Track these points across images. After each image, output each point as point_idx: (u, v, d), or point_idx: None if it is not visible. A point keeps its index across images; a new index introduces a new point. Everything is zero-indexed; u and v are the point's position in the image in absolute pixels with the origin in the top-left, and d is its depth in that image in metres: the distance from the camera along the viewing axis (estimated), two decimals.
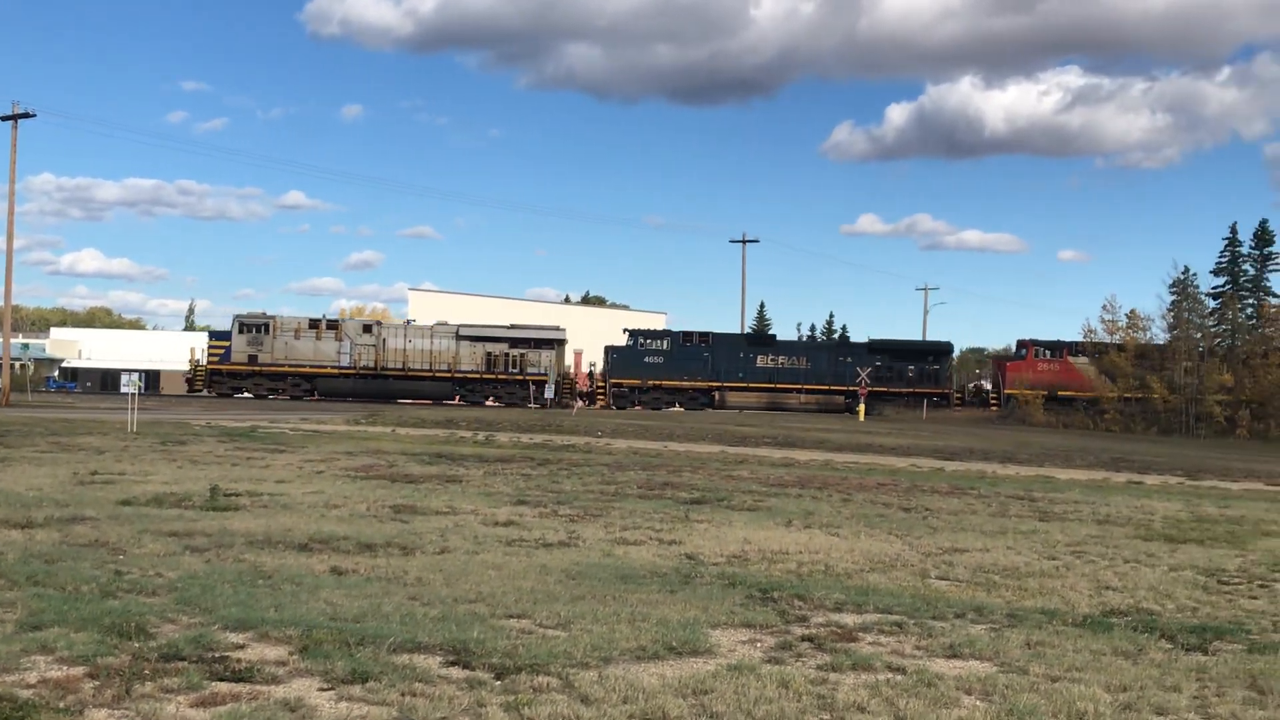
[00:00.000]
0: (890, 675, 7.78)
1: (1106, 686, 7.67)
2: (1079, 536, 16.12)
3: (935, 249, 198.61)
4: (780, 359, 71.68)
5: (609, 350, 72.85)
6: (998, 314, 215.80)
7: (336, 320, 69.97)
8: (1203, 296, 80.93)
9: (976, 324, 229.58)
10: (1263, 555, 14.95)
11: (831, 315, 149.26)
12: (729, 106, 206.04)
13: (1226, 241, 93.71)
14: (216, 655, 7.52)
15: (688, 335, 72.41)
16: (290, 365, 66.44)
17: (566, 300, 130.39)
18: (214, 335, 69.28)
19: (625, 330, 73.06)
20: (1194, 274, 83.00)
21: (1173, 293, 76.19)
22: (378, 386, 67.69)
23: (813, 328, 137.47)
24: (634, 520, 15.66)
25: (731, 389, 70.58)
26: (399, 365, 68.01)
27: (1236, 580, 12.79)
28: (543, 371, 68.14)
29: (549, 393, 62.49)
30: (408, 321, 75.17)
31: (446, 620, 8.71)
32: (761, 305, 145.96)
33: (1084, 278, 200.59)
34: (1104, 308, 74.21)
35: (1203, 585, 12.31)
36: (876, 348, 71.83)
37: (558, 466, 24.29)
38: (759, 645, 8.58)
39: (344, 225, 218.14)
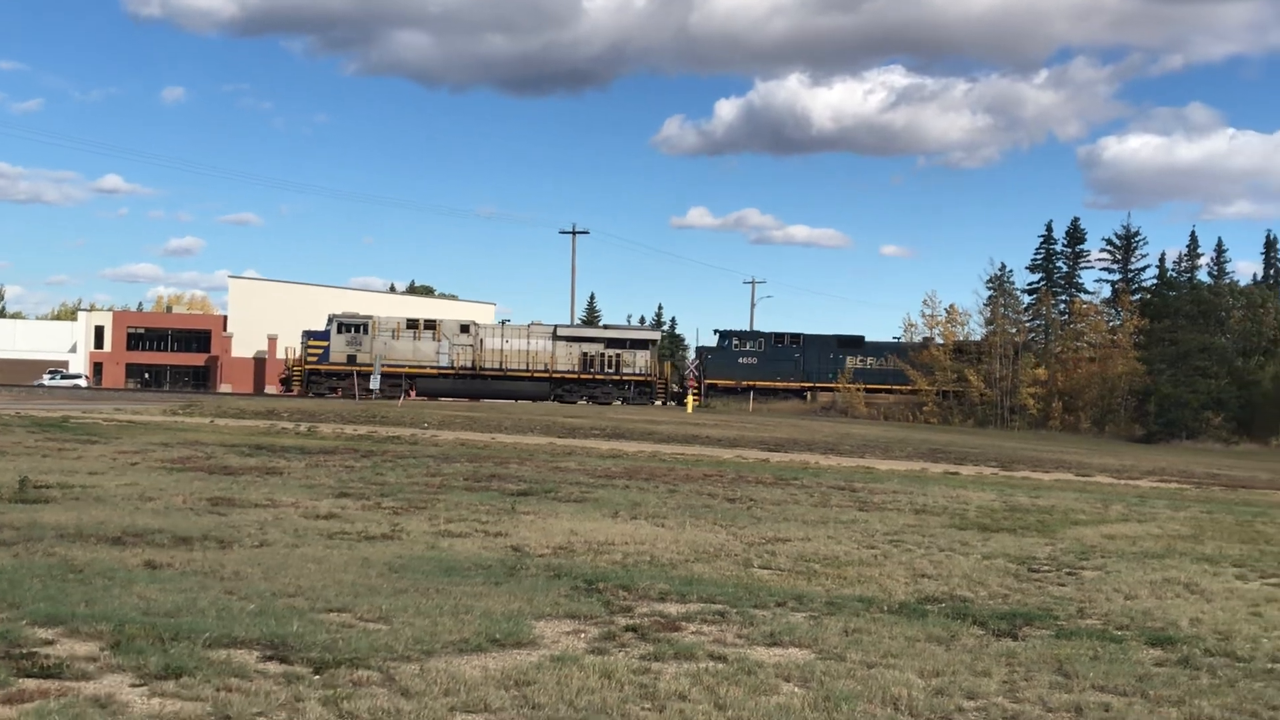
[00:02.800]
0: (712, 664, 7.90)
1: (920, 672, 7.91)
2: (897, 526, 16.56)
3: (764, 243, 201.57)
4: (869, 360, 72.96)
5: (701, 351, 74.54)
6: (822, 308, 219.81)
7: (434, 321, 70.39)
8: (1018, 292, 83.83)
9: (802, 318, 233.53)
10: (1071, 544, 15.55)
11: (660, 307, 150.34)
12: (561, 98, 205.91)
13: (1041, 239, 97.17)
14: (24, 651, 7.26)
15: (779, 336, 73.77)
16: (389, 365, 65.88)
17: (392, 289, 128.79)
18: (311, 335, 68.63)
19: (715, 331, 74.77)
20: (1010, 271, 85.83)
21: (990, 289, 78.71)
22: (477, 386, 68.18)
23: (641, 319, 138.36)
24: (459, 512, 15.58)
25: (823, 389, 71.95)
26: (496, 365, 68.58)
27: (1046, 568, 13.28)
28: (638, 372, 69.22)
29: (374, 384, 61.94)
30: (503, 322, 75.82)
31: (264, 614, 8.55)
32: (592, 296, 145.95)
33: (907, 273, 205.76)
34: (924, 302, 76.37)
35: (1014, 573, 12.76)
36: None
37: (382, 458, 24.01)
38: (583, 636, 8.62)
39: (163, 210, 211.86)
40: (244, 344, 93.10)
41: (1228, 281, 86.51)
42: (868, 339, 75.76)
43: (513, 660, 7.74)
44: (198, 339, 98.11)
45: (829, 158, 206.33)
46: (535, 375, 68.82)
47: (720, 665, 7.85)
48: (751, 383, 71.61)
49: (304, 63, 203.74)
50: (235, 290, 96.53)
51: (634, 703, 6.88)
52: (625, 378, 68.68)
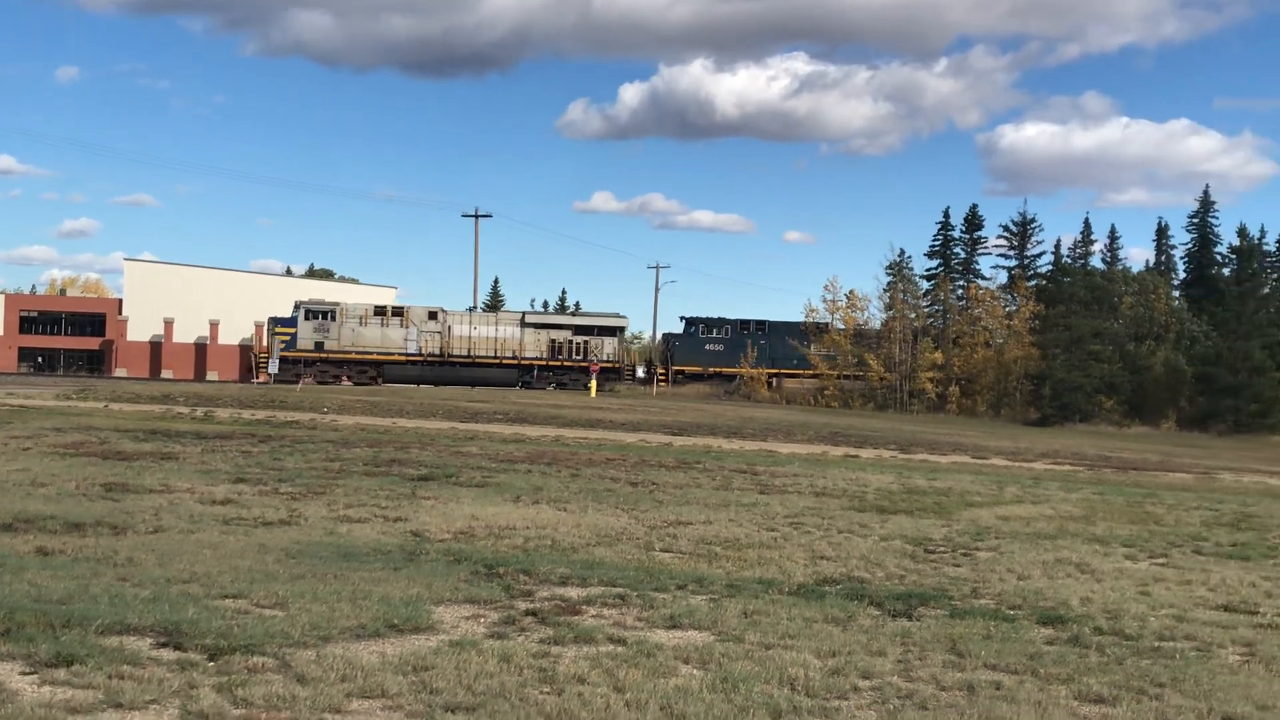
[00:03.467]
0: (612, 647, 7.92)
1: (817, 652, 8.00)
2: (797, 508, 16.72)
3: (668, 228, 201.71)
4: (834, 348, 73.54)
5: (668, 338, 74.80)
6: (726, 293, 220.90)
7: (402, 307, 70.22)
8: (917, 278, 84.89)
9: (705, 303, 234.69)
10: (966, 525, 15.81)
11: (564, 292, 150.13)
12: (464, 80, 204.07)
13: (940, 226, 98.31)
14: None
15: (744, 324, 73.66)
16: (357, 352, 66.71)
17: (288, 272, 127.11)
18: (278, 322, 68.22)
19: (682, 318, 74.90)
20: (910, 257, 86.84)
21: (890, 274, 79.61)
22: (445, 374, 68.04)
23: (545, 304, 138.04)
24: (359, 498, 15.46)
25: (788, 375, 72.21)
26: (464, 353, 68.83)
27: (942, 549, 13.50)
28: (605, 358, 69.34)
29: (272, 368, 61.47)
30: (470, 309, 75.27)
31: (158, 601, 8.42)
32: (495, 281, 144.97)
33: (809, 259, 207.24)
34: (826, 288, 77.03)
35: (910, 554, 12.95)
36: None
37: (280, 443, 23.72)
38: (483, 621, 8.60)
39: (57, 192, 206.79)
40: (140, 328, 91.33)
41: (1120, 268, 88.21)
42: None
43: (411, 646, 7.71)
44: (92, 322, 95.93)
45: (733, 143, 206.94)
46: (504, 362, 69.35)
47: (620, 648, 7.88)
48: (719, 369, 72.20)
49: (202, 42, 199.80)
50: (131, 273, 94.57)
51: (533, 686, 6.88)
52: (593, 364, 69.10)
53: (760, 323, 74.39)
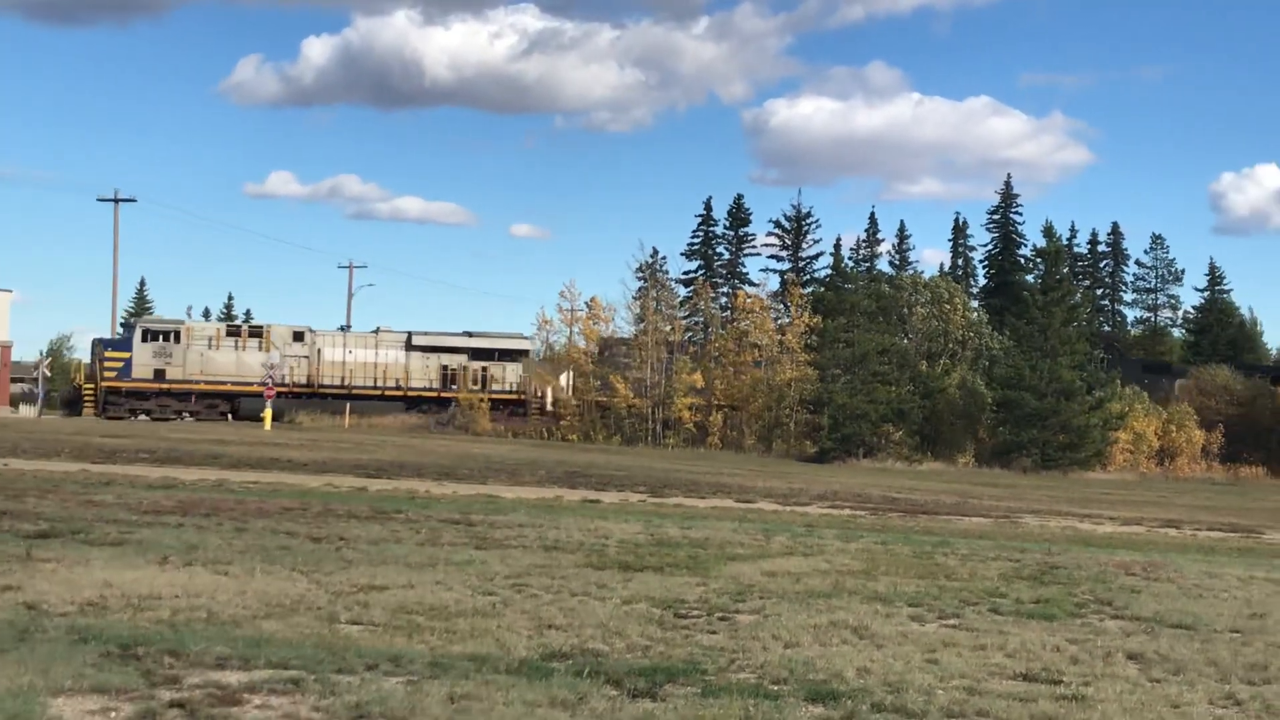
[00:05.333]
0: None
1: None
2: (522, 566, 16.76)
3: (365, 218, 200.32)
4: None
5: None
6: (441, 299, 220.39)
7: (261, 327, 70.11)
8: (673, 284, 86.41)
9: (416, 312, 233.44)
10: (726, 583, 16.12)
11: (231, 297, 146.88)
12: (103, 29, 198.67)
13: (700, 220, 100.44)
14: None
15: (466, 335, 74.63)
16: (207, 382, 66.61)
17: None
18: (107, 344, 67.30)
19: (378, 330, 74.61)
20: (664, 258, 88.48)
21: (640, 278, 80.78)
22: (315, 407, 68.59)
23: (206, 312, 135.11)
24: None
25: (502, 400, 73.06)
26: (337, 381, 69.39)
27: (695, 613, 13.73)
28: (508, 388, 70.86)
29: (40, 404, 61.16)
30: (342, 328, 74.52)
31: None
32: (142, 282, 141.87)
33: (542, 258, 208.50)
34: (562, 294, 77.71)
35: (658, 620, 13.13)
36: None
37: None
38: (114, 716, 8.38)
39: None
40: None
41: (911, 273, 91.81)
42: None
43: None
44: None
45: (447, 114, 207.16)
46: (386, 393, 70.46)
47: None
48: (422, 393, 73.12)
49: None
50: None
51: None
52: (494, 396, 70.47)
53: (480, 345, 74.51)
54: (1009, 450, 67.57)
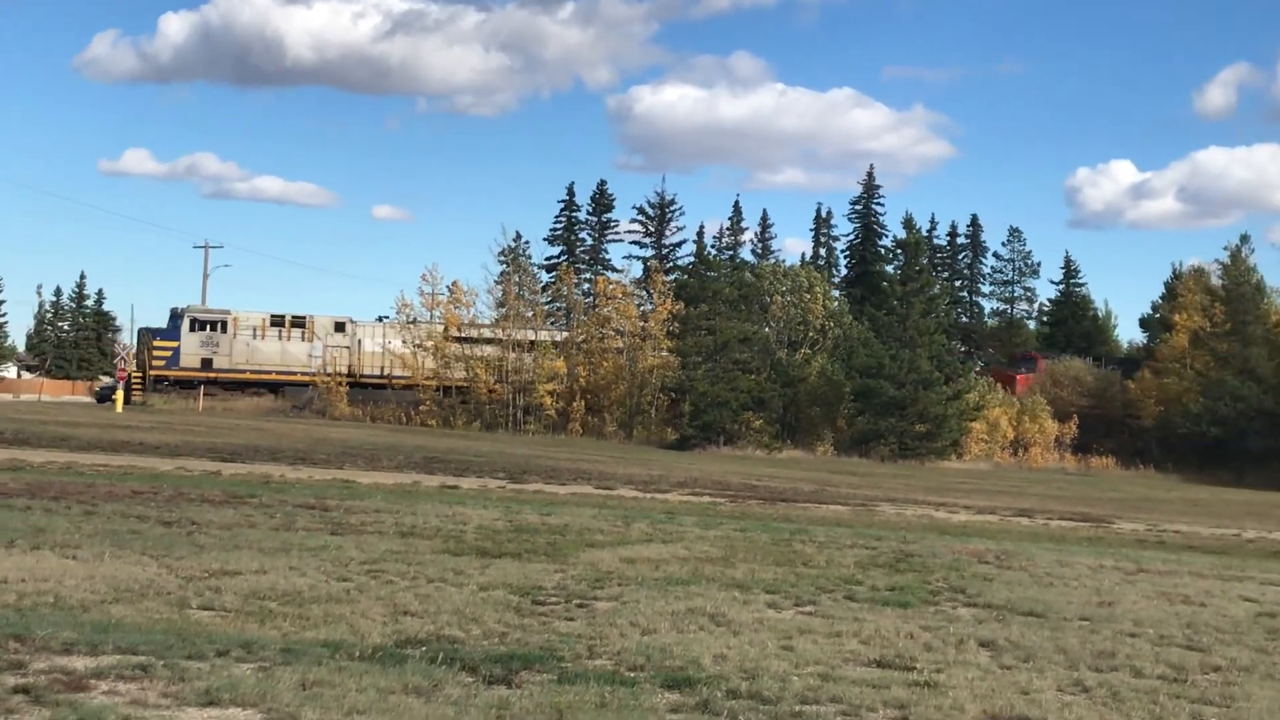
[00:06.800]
0: None
1: None
2: (378, 552, 16.66)
3: (223, 197, 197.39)
4: None
5: (146, 334, 73.85)
6: (303, 281, 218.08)
7: (303, 317, 70.64)
8: (535, 269, 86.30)
9: (278, 294, 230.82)
10: (585, 569, 16.14)
11: (84, 277, 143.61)
12: None
13: (563, 205, 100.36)
14: None
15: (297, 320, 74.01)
16: (253, 370, 68.05)
17: None
18: (154, 334, 68.58)
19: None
20: (527, 242, 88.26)
21: (502, 263, 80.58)
22: (355, 398, 69.31)
23: (58, 292, 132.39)
24: None
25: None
26: (377, 371, 70.97)
27: (553, 599, 13.74)
28: None
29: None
30: (382, 319, 75.20)
31: None
32: None
33: (404, 240, 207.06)
34: (424, 278, 77.23)
35: (515, 606, 13.12)
36: None
37: None
38: None
39: None
40: None
41: (773, 261, 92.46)
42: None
43: None
44: None
45: (308, 94, 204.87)
46: (426, 385, 71.52)
47: None
48: (272, 375, 72.60)
49: None
50: None
51: None
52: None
53: (279, 317, 74.16)
54: (867, 439, 68.34)
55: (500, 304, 76.74)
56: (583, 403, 71.91)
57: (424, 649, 10.61)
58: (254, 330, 70.74)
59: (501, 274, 79.47)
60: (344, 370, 71.37)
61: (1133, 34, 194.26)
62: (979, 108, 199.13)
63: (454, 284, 77.26)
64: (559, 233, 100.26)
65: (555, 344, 74.05)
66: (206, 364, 69.40)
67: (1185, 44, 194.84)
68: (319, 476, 29.96)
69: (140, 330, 72.74)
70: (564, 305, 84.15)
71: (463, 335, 74.13)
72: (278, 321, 71.85)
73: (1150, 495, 52.15)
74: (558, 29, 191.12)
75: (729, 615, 13.21)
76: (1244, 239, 79.63)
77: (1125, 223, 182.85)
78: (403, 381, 71.91)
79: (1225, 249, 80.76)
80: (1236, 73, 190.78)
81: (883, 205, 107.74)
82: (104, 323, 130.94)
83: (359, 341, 72.43)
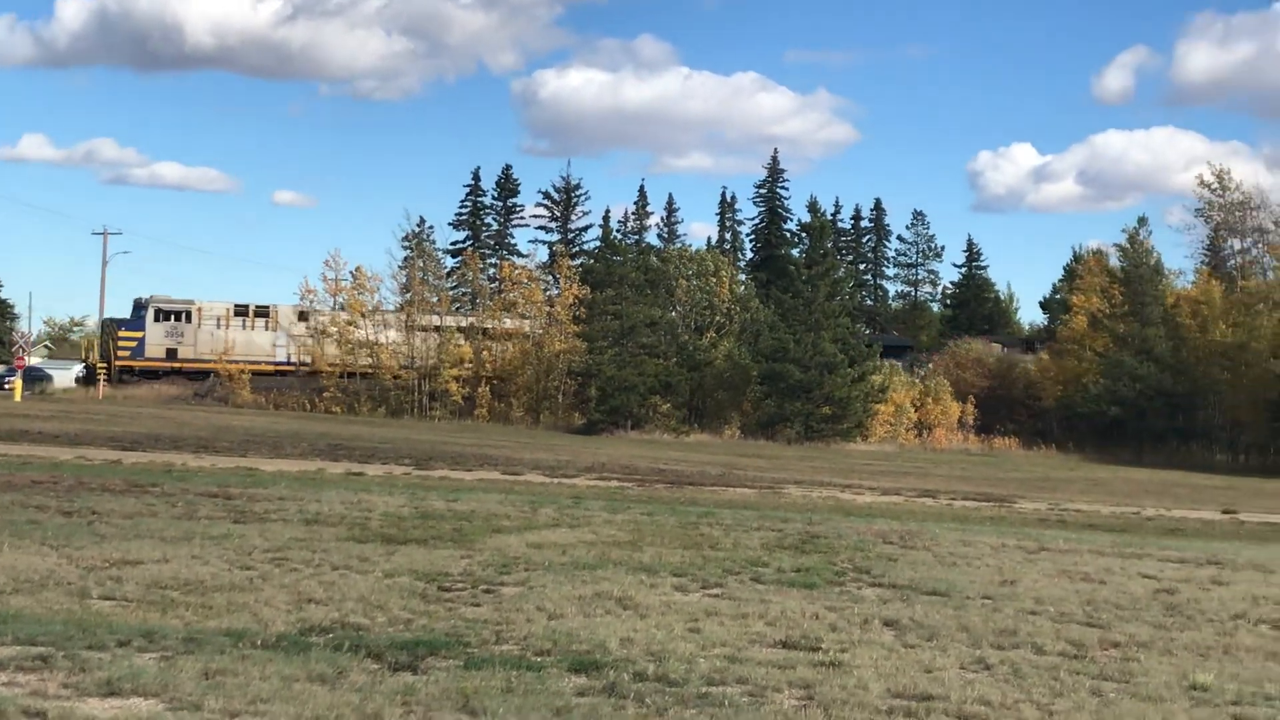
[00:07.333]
0: None
1: (297, 718, 7.98)
2: (282, 540, 16.56)
3: (122, 183, 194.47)
4: None
5: (109, 325, 74.71)
6: (202, 267, 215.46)
7: (267, 307, 70.62)
8: (440, 254, 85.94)
9: (178, 279, 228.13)
10: (491, 555, 16.14)
11: None
12: None
13: (468, 190, 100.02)
14: None
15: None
16: (218, 360, 67.92)
17: None
18: (119, 324, 68.74)
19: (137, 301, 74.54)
20: (431, 227, 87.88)
21: (406, 248, 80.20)
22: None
23: None
24: None
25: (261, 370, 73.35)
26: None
27: (460, 585, 13.73)
28: None
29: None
30: (339, 307, 74.49)
31: None
32: None
33: (307, 226, 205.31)
34: (327, 264, 76.63)
35: (421, 593, 13.09)
36: None
37: None
38: None
39: None
40: None
41: (679, 246, 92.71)
42: None
43: None
44: None
45: (208, 79, 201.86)
46: (397, 374, 71.30)
47: None
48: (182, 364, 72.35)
49: None
50: None
51: None
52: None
53: (242, 307, 73.70)
54: (774, 422, 68.62)
55: (405, 290, 76.40)
56: (489, 388, 71.76)
57: (329, 636, 10.58)
58: (218, 320, 70.89)
59: (405, 259, 79.12)
60: (309, 360, 71.48)
61: (1033, 17, 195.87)
62: (882, 92, 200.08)
63: (357, 269, 76.74)
64: (464, 218, 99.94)
65: (461, 329, 73.71)
66: (171, 354, 69.72)
67: (1084, 28, 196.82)
68: (222, 464, 29.74)
69: (104, 321, 73.36)
70: (470, 291, 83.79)
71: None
72: (241, 311, 71.92)
73: (1051, 475, 52.79)
74: (461, 13, 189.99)
75: (636, 599, 13.25)
76: (1142, 221, 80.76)
77: (1026, 206, 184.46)
78: (366, 370, 72.00)
79: (1123, 231, 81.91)
80: (1135, 56, 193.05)
81: (787, 189, 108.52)
82: (2, 310, 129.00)
83: (319, 330, 72.35)
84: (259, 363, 70.78)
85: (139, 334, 69.88)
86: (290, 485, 24.80)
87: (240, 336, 70.96)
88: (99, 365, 70.10)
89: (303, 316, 72.77)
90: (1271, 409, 70.36)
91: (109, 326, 72.71)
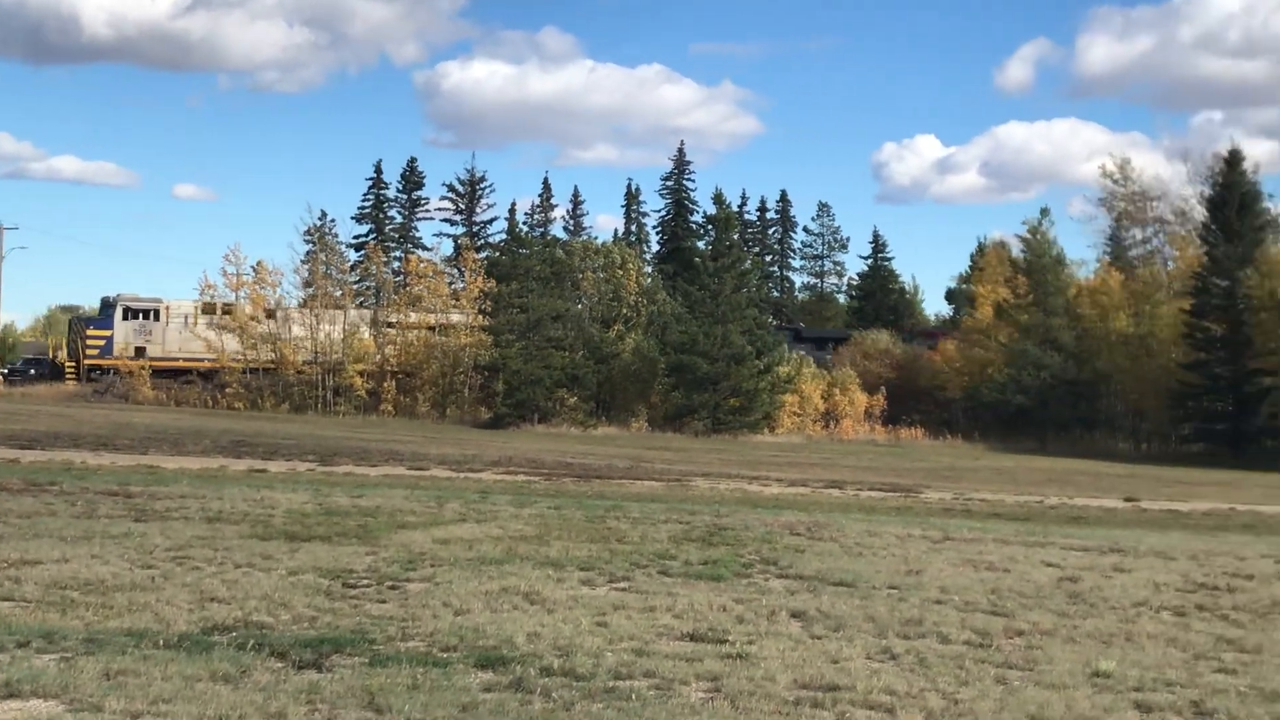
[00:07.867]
0: None
1: (199, 718, 7.94)
2: (184, 538, 16.43)
3: (18, 177, 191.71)
4: None
5: (78, 323, 74.48)
6: (100, 262, 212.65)
7: (233, 304, 69.88)
8: (343, 247, 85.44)
9: (76, 275, 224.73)
10: (397, 551, 16.08)
11: None
12: None
13: (371, 183, 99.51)
14: None
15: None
16: (186, 359, 67.75)
17: None
18: (87, 323, 68.47)
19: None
20: (333, 221, 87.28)
21: (308, 241, 79.62)
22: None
23: None
24: None
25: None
26: (309, 357, 70.25)
27: (365, 582, 13.67)
28: None
29: None
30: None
31: None
32: None
33: (208, 220, 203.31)
34: (227, 258, 75.84)
35: (325, 590, 13.03)
36: None
37: None
38: None
39: None
40: None
41: (585, 238, 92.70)
42: None
43: None
44: None
45: (106, 71, 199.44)
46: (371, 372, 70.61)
47: None
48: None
49: None
50: None
51: None
52: None
53: (210, 305, 73.37)
54: (682, 414, 68.83)
55: (307, 284, 75.83)
56: (394, 383, 71.43)
57: (231, 635, 10.51)
58: (185, 318, 70.58)
59: (308, 253, 78.50)
60: (275, 358, 71.17)
61: (936, 9, 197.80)
62: (786, 84, 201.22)
63: (259, 263, 76.06)
64: (367, 211, 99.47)
65: (365, 323, 73.38)
66: (140, 352, 69.09)
67: (987, 20, 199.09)
68: (122, 462, 29.41)
69: (72, 319, 73.55)
70: (373, 284, 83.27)
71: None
72: (208, 308, 71.56)
73: (957, 464, 53.32)
74: (363, 4, 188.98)
75: (543, 594, 13.26)
76: (1044, 212, 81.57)
77: (931, 197, 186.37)
78: (268, 363, 71.51)
79: (1024, 223, 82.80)
80: (1036, 48, 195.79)
81: (693, 181, 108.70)
82: None
83: (289, 326, 71.95)
84: (236, 361, 70.28)
85: (107, 332, 69.48)
86: (192, 483, 24.58)
87: (209, 335, 70.20)
88: (67, 364, 70.08)
89: (270, 314, 72.38)
90: (1172, 398, 71.53)
91: (77, 325, 72.53)
